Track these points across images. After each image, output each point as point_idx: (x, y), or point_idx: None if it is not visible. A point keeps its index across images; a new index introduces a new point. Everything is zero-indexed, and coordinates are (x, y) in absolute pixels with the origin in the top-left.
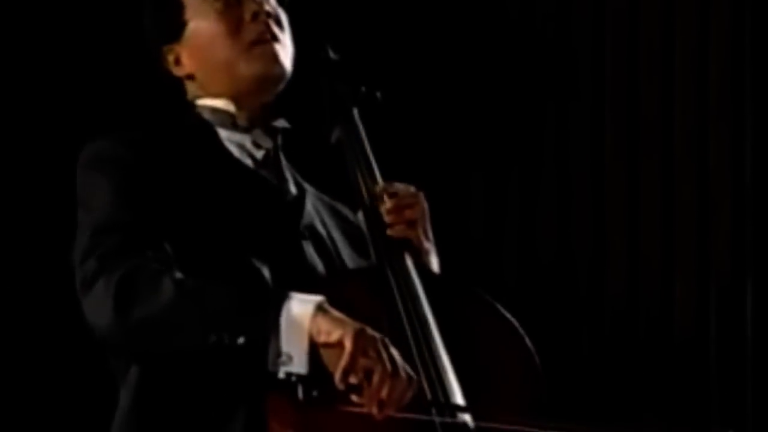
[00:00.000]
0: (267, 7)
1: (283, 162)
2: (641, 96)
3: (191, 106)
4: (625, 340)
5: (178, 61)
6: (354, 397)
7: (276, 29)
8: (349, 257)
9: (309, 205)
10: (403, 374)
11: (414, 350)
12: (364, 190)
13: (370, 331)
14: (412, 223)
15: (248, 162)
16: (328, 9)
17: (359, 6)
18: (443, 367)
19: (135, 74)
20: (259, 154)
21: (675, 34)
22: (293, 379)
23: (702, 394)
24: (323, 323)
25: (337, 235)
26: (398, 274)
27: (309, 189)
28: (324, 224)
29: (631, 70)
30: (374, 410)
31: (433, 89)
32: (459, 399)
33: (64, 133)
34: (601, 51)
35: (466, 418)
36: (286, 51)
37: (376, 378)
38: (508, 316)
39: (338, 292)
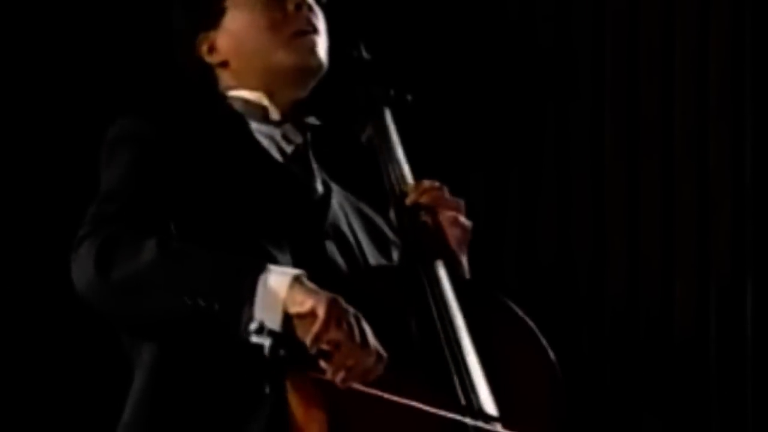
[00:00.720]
0: (309, 0)
1: (312, 159)
2: (641, 96)
3: (222, 96)
4: (625, 340)
5: (212, 49)
6: (322, 364)
7: (316, 22)
8: (373, 258)
9: (335, 204)
10: (372, 348)
11: (446, 350)
12: (396, 189)
13: (343, 302)
14: (431, 209)
15: (277, 155)
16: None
17: (367, 6)
18: (474, 369)
19: (156, 66)
20: (289, 148)
21: (675, 34)
22: (265, 333)
23: (702, 394)
24: (298, 294)
25: (362, 235)
26: (430, 273)
27: (335, 188)
28: (349, 224)
29: (631, 71)
30: (338, 379)
31: (432, 90)
32: (489, 403)
33: (75, 130)
34: (601, 51)
35: (497, 425)
36: (324, 45)
37: (344, 348)
38: (532, 325)
39: (367, 287)
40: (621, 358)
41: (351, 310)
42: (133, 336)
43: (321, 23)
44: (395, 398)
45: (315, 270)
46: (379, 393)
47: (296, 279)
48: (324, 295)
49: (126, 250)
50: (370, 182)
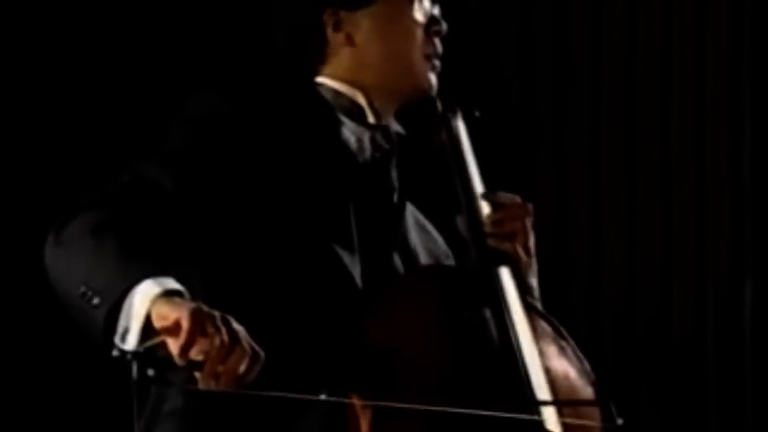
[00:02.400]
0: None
1: (394, 169)
2: (639, 96)
3: (311, 82)
4: (623, 341)
5: (338, 28)
6: (196, 374)
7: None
8: None
9: (408, 217)
10: (245, 349)
11: (518, 357)
12: (466, 197)
13: (206, 308)
14: (511, 236)
15: (363, 159)
16: None
17: None
18: (539, 374)
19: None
20: (376, 154)
21: (673, 32)
22: (128, 357)
23: (700, 395)
24: (162, 307)
25: (420, 249)
26: (496, 283)
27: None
28: (412, 238)
29: (629, 70)
30: (212, 384)
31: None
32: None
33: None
34: (599, 50)
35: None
36: None
37: (212, 354)
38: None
39: (439, 284)
40: (618, 359)
41: (217, 314)
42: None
43: None
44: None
45: (380, 280)
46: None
47: (165, 293)
48: (186, 306)
49: (76, 226)
50: (434, 192)
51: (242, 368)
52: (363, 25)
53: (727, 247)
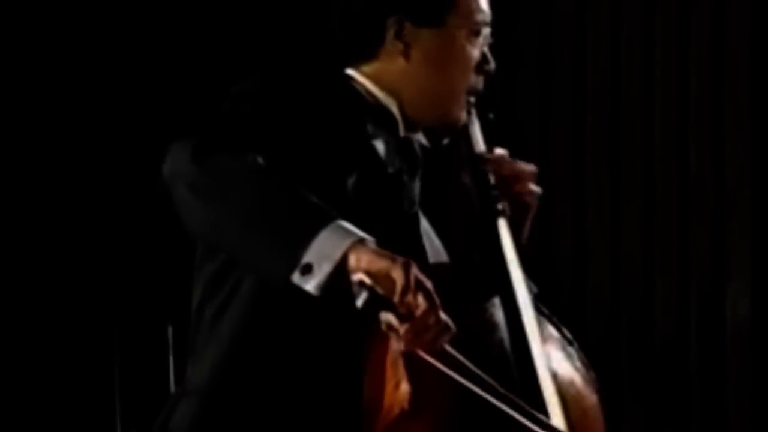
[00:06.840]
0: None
1: (418, 182)
2: (622, 97)
3: (345, 76)
4: (607, 340)
5: (399, 35)
6: (392, 321)
7: None
8: None
9: (422, 227)
10: (443, 319)
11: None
12: (482, 200)
13: (415, 268)
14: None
15: (392, 168)
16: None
17: None
18: (548, 386)
19: None
20: (404, 165)
21: (656, 34)
22: (362, 290)
23: (682, 393)
24: (365, 255)
25: (430, 257)
26: (509, 284)
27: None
28: (425, 246)
29: (612, 72)
30: (406, 342)
31: None
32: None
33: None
34: (582, 53)
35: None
36: None
37: (423, 313)
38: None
39: (451, 282)
40: (602, 358)
41: (423, 276)
42: (207, 245)
43: None
44: (477, 390)
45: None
46: (462, 380)
47: (361, 240)
48: (397, 259)
49: (225, 148)
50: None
51: (440, 336)
52: (424, 43)
53: (711, 248)
